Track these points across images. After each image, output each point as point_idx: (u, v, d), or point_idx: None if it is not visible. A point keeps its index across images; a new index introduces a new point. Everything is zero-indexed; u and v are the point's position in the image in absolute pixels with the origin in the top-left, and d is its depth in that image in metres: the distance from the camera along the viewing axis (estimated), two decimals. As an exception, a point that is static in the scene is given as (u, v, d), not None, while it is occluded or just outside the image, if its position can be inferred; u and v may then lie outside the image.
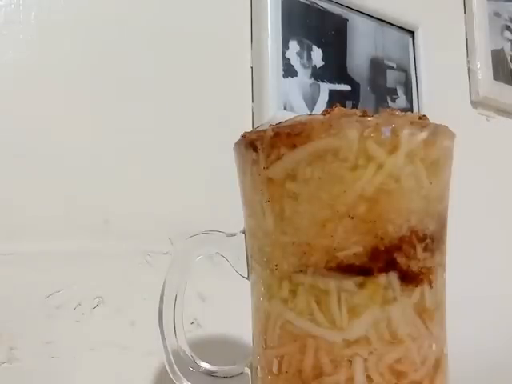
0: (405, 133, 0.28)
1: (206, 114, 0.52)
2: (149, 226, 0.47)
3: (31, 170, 0.43)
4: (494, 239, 0.74)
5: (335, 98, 0.60)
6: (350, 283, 0.28)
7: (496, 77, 0.79)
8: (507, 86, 0.80)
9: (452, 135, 0.31)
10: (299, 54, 0.58)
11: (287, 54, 0.57)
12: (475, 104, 0.78)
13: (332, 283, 0.28)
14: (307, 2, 0.60)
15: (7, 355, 0.40)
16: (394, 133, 0.28)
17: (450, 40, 0.77)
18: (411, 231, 0.28)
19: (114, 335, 0.45)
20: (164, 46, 0.51)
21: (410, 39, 0.69)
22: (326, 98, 0.60)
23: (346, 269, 0.28)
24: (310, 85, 0.59)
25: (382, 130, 0.28)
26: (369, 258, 0.28)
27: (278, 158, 0.29)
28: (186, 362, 0.34)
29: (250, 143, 0.30)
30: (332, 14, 0.62)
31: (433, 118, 0.30)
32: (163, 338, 0.33)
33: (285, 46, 0.56)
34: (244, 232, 0.33)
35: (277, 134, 0.29)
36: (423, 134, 0.28)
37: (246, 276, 0.33)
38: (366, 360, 0.28)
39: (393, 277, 0.28)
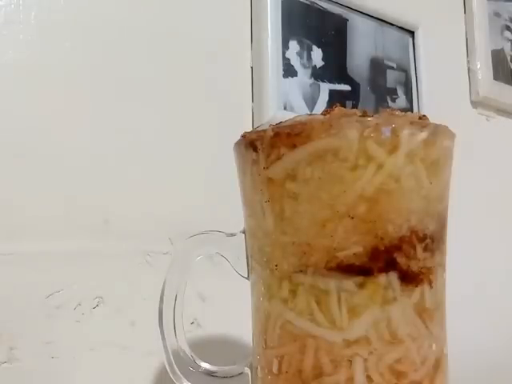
0: (405, 133, 0.28)
1: (206, 113, 0.52)
2: (149, 226, 0.47)
3: (31, 170, 0.43)
4: (494, 239, 0.74)
5: (335, 98, 0.60)
6: (349, 283, 0.28)
7: (496, 77, 0.79)
8: (507, 86, 0.80)
9: (452, 135, 0.31)
10: (299, 54, 0.58)
11: (287, 54, 0.57)
12: (475, 104, 0.78)
13: (332, 283, 0.28)
14: (307, 2, 0.60)
15: (7, 355, 0.40)
16: (394, 133, 0.28)
17: (450, 40, 0.77)
18: (411, 231, 0.28)
19: (114, 335, 0.45)
20: (164, 46, 0.51)
21: (410, 39, 0.69)
22: (326, 98, 0.60)
23: (346, 269, 0.28)
24: (310, 85, 0.59)
25: (381, 130, 0.28)
26: (369, 258, 0.28)
27: (278, 158, 0.29)
28: (186, 362, 0.34)
29: (250, 143, 0.30)
30: (332, 14, 0.62)
31: (433, 118, 0.30)
32: (163, 338, 0.33)
33: (285, 46, 0.56)
34: (244, 232, 0.33)
35: (277, 134, 0.29)
36: (423, 134, 0.28)
37: (246, 276, 0.33)
38: (365, 360, 0.28)
39: (393, 277, 0.28)
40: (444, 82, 0.72)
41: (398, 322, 0.28)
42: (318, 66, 0.60)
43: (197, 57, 0.53)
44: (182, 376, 0.33)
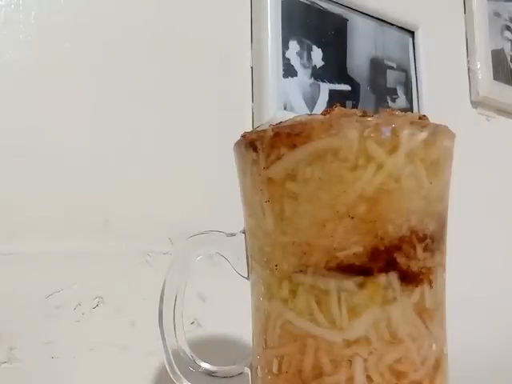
0: (405, 133, 0.28)
1: (206, 113, 0.52)
2: (149, 226, 0.47)
3: (31, 170, 0.43)
4: (494, 239, 0.74)
5: (335, 98, 0.60)
6: (350, 283, 0.28)
7: (496, 77, 0.79)
8: (507, 86, 0.80)
9: (452, 135, 0.31)
10: (299, 54, 0.58)
11: (287, 54, 0.57)
12: (475, 104, 0.78)
13: (332, 283, 0.28)
14: (307, 2, 0.60)
15: (7, 355, 0.40)
16: (394, 133, 0.28)
17: (450, 40, 0.77)
18: (411, 231, 0.28)
19: (114, 335, 0.45)
20: (164, 46, 0.51)
21: (410, 39, 0.69)
22: (326, 98, 0.60)
23: (346, 269, 0.28)
24: (310, 85, 0.59)
25: (381, 130, 0.28)
26: (369, 258, 0.28)
27: (278, 158, 0.29)
28: (186, 362, 0.34)
29: (250, 143, 0.30)
30: (332, 14, 0.62)
31: (433, 118, 0.30)
32: (163, 338, 0.33)
33: (285, 46, 0.56)
34: (244, 232, 0.33)
35: (277, 134, 0.29)
36: (423, 134, 0.28)
37: (246, 276, 0.33)
38: (365, 360, 0.28)
39: (393, 277, 0.28)
40: (444, 82, 0.72)
41: (397, 322, 0.28)
42: (318, 66, 0.60)
43: (197, 57, 0.53)
44: (182, 376, 0.33)
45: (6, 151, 0.42)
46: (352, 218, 0.28)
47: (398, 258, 0.28)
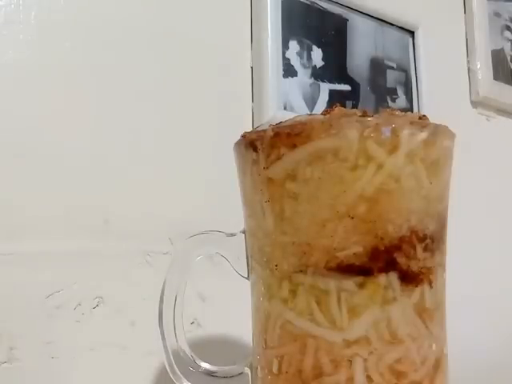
0: (405, 133, 0.28)
1: (206, 113, 0.52)
2: (149, 226, 0.47)
3: (31, 170, 0.43)
4: (494, 239, 0.74)
5: (335, 98, 0.60)
6: (350, 283, 0.28)
7: (496, 77, 0.79)
8: (507, 86, 0.80)
9: (452, 135, 0.31)
10: (299, 54, 0.58)
11: (287, 54, 0.57)
12: (475, 104, 0.78)
13: (332, 283, 0.28)
14: (307, 2, 0.60)
15: (7, 355, 0.40)
16: (394, 133, 0.28)
17: (450, 40, 0.77)
18: (411, 231, 0.28)
19: (114, 335, 0.45)
20: (164, 46, 0.51)
21: (410, 39, 0.69)
22: (326, 98, 0.60)
23: (346, 269, 0.28)
24: (310, 85, 0.59)
25: (381, 130, 0.28)
26: (369, 258, 0.28)
27: (278, 158, 0.29)
28: (186, 361, 0.34)
29: (250, 143, 0.30)
30: (332, 14, 0.62)
31: (433, 118, 0.30)
32: (163, 338, 0.33)
33: (285, 46, 0.56)
34: (244, 232, 0.33)
35: (277, 134, 0.29)
36: (423, 134, 0.28)
37: (246, 276, 0.33)
38: (365, 360, 0.28)
39: (393, 277, 0.28)
40: (444, 82, 0.72)
41: (398, 322, 0.28)
42: (318, 66, 0.60)
43: (197, 57, 0.53)
44: (181, 376, 0.33)
45: (5, 151, 0.42)
46: (352, 218, 0.28)
47: (398, 258, 0.28)
